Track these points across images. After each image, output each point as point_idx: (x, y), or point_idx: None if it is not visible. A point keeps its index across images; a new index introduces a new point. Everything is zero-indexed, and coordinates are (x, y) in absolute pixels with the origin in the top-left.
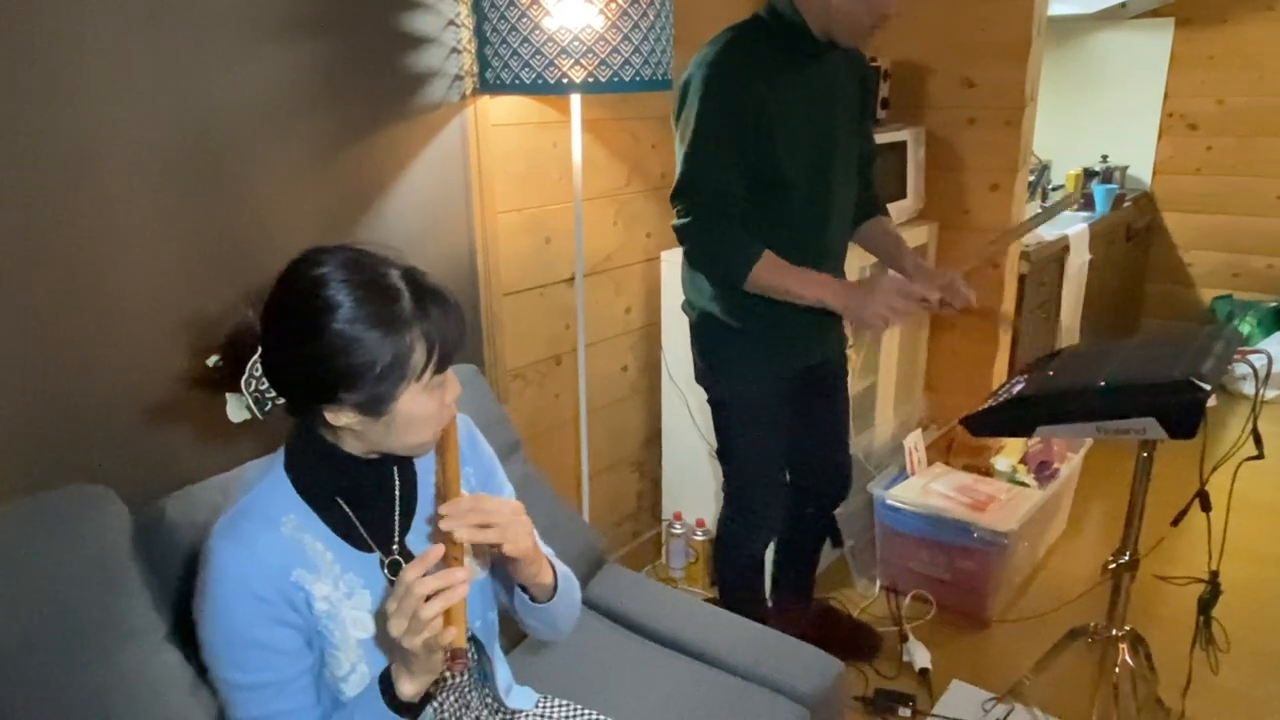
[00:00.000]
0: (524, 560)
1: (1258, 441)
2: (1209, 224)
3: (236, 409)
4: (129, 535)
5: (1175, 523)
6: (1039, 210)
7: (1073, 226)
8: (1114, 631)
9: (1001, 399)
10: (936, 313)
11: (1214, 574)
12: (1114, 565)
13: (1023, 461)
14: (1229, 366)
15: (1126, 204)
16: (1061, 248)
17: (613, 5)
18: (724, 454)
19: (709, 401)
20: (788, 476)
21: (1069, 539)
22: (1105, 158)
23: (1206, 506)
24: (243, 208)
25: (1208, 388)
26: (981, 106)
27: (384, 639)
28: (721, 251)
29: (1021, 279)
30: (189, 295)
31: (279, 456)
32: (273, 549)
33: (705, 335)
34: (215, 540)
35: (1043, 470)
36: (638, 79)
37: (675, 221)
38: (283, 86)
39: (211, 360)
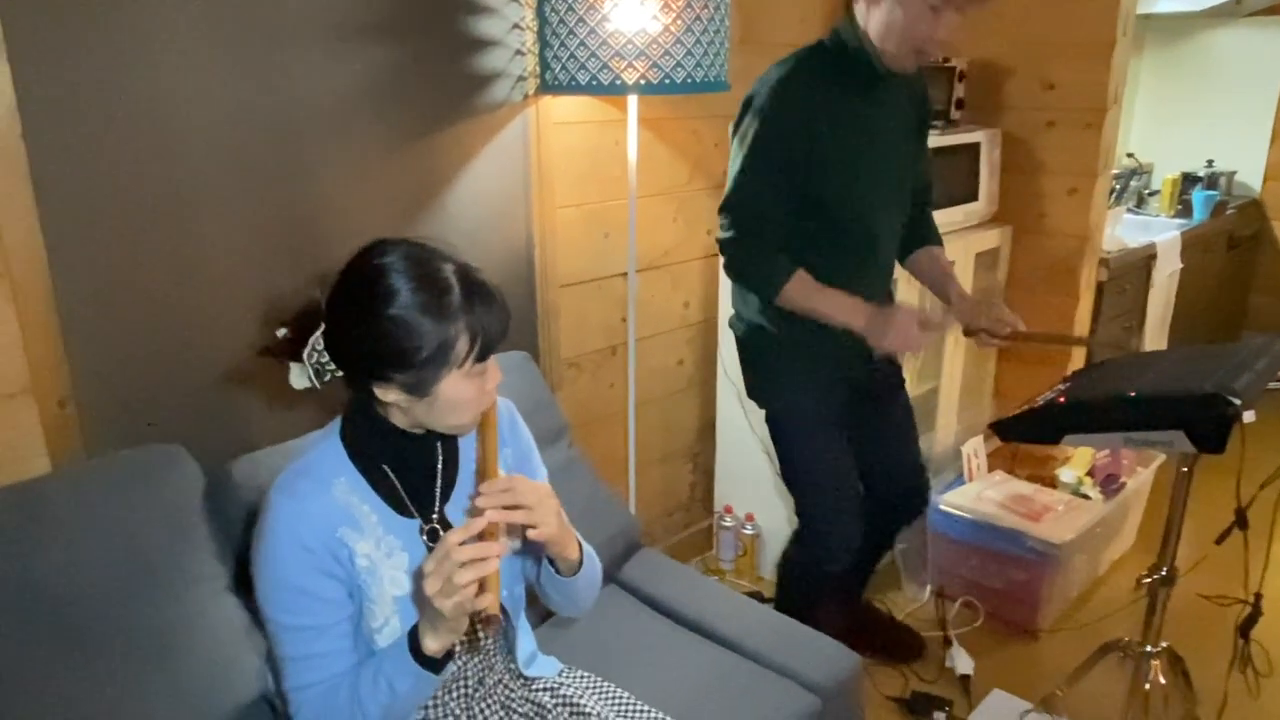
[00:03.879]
0: (550, 540)
1: None
2: None
3: (299, 377)
4: (200, 492)
5: (1219, 541)
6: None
7: (1163, 234)
8: (1148, 647)
9: (1035, 405)
10: (1007, 343)
11: (1257, 595)
12: (1150, 580)
13: (1089, 474)
14: (1274, 382)
15: (1230, 211)
16: (1148, 255)
17: (668, 10)
18: (789, 476)
19: (766, 420)
20: (862, 491)
21: (1135, 555)
22: (1210, 162)
23: (1243, 525)
24: (317, 197)
25: (1237, 402)
26: (1061, 108)
27: (418, 596)
28: (756, 268)
29: (1100, 287)
30: (264, 275)
31: (336, 424)
32: (323, 507)
33: (753, 348)
34: (273, 494)
35: (1110, 484)
36: (690, 81)
37: (719, 235)
38: (357, 86)
39: (280, 332)
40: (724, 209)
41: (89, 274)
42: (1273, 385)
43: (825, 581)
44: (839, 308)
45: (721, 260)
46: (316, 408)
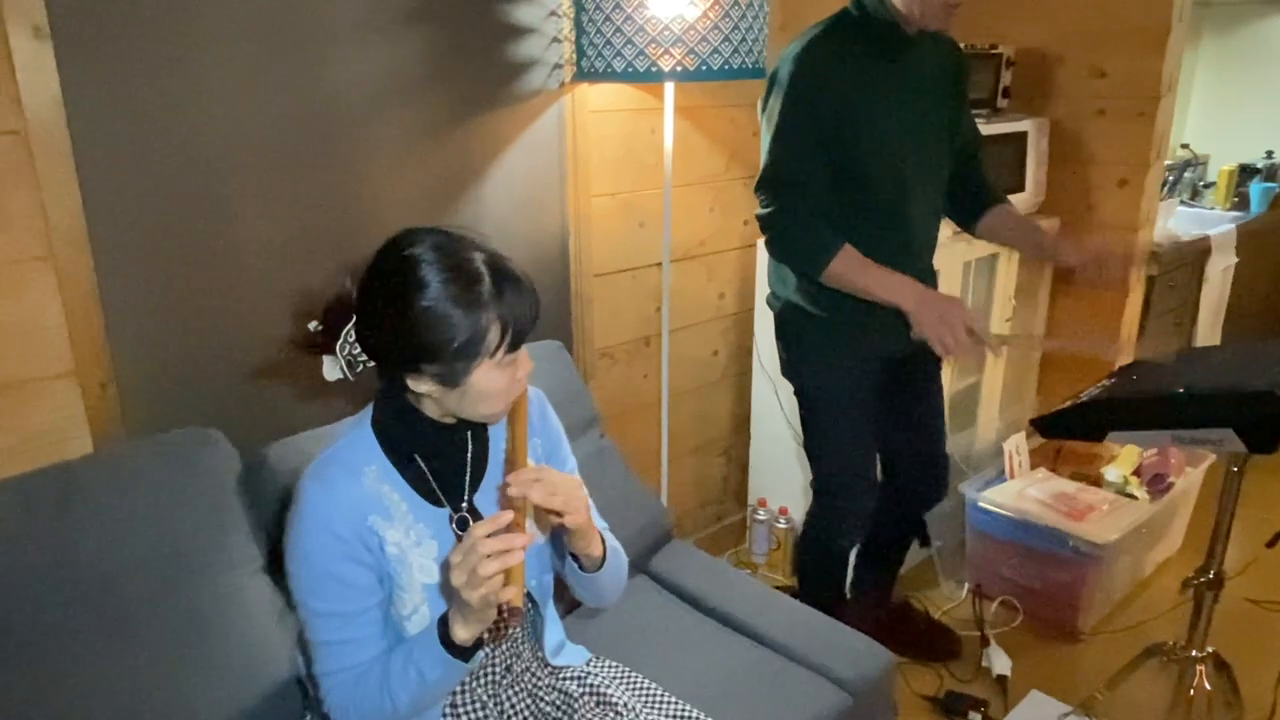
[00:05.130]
0: (578, 532)
1: None
2: None
3: (331, 369)
4: (236, 476)
5: (1271, 544)
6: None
7: (1217, 227)
8: (1193, 652)
9: (1078, 401)
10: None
11: None
12: (1196, 582)
13: (1135, 473)
14: None
15: None
16: (1201, 250)
17: None
18: (811, 448)
19: (795, 394)
20: (880, 474)
21: (1182, 557)
22: (1270, 154)
23: None
24: (354, 185)
25: None
26: (1113, 97)
27: (446, 586)
28: (801, 242)
29: (1150, 281)
30: (301, 263)
31: (368, 412)
32: (353, 495)
33: (789, 325)
34: (305, 481)
35: (1157, 483)
36: (726, 67)
37: (758, 211)
38: (393, 76)
39: (313, 325)
40: (760, 185)
41: (131, 261)
42: None
43: (841, 557)
44: (888, 285)
45: (764, 239)
46: (352, 393)
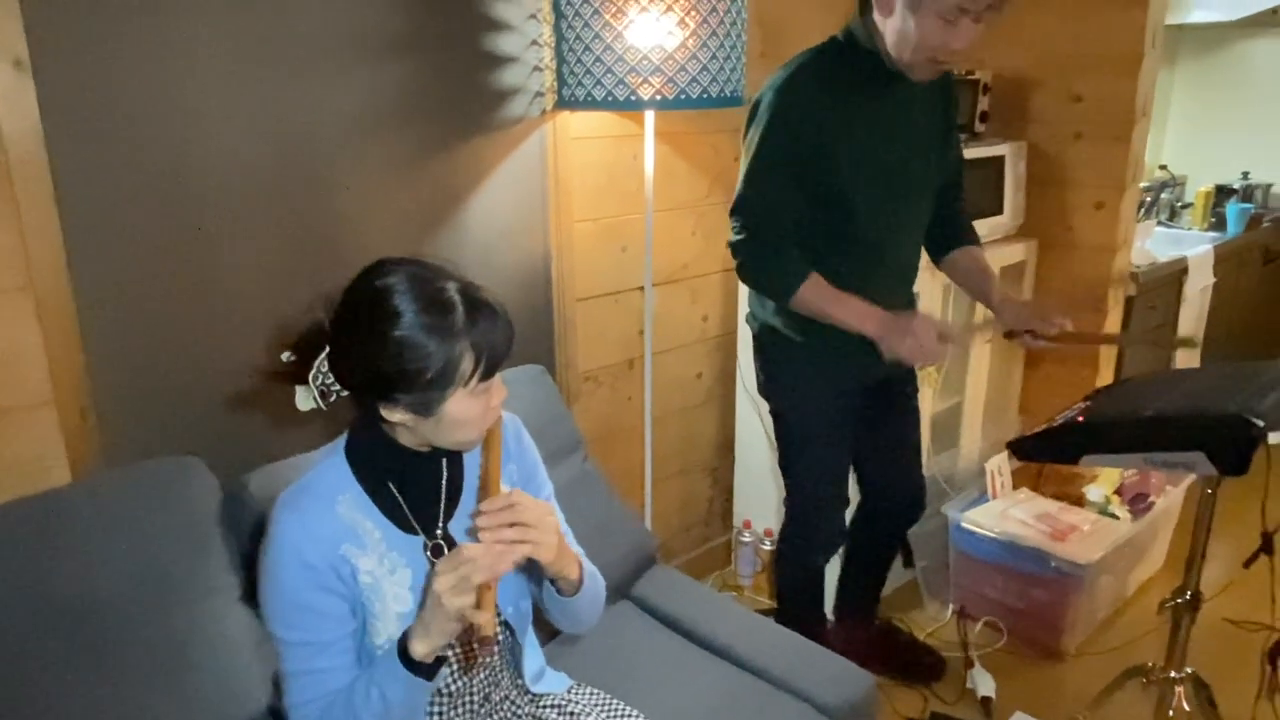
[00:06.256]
0: (552, 558)
1: None
2: None
3: (304, 399)
4: (216, 504)
5: (1247, 565)
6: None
7: (1195, 248)
8: (1172, 673)
9: (1053, 425)
10: (1052, 345)
11: None
12: (1173, 604)
13: (1117, 492)
14: None
15: (1265, 225)
16: (1179, 270)
17: (684, 26)
18: (785, 467)
19: (770, 413)
20: (858, 494)
21: (1165, 576)
22: (1246, 174)
23: (1269, 549)
24: (335, 214)
25: (1261, 424)
26: (1089, 121)
27: (424, 592)
28: (770, 269)
29: (1129, 302)
30: (282, 291)
31: (341, 441)
32: (326, 524)
33: (767, 348)
34: (277, 511)
35: (1139, 503)
36: (705, 96)
37: (730, 237)
38: (376, 104)
39: (285, 355)
40: (734, 211)
41: (110, 289)
42: None
43: (817, 574)
44: (852, 313)
45: (735, 264)
46: (334, 421)
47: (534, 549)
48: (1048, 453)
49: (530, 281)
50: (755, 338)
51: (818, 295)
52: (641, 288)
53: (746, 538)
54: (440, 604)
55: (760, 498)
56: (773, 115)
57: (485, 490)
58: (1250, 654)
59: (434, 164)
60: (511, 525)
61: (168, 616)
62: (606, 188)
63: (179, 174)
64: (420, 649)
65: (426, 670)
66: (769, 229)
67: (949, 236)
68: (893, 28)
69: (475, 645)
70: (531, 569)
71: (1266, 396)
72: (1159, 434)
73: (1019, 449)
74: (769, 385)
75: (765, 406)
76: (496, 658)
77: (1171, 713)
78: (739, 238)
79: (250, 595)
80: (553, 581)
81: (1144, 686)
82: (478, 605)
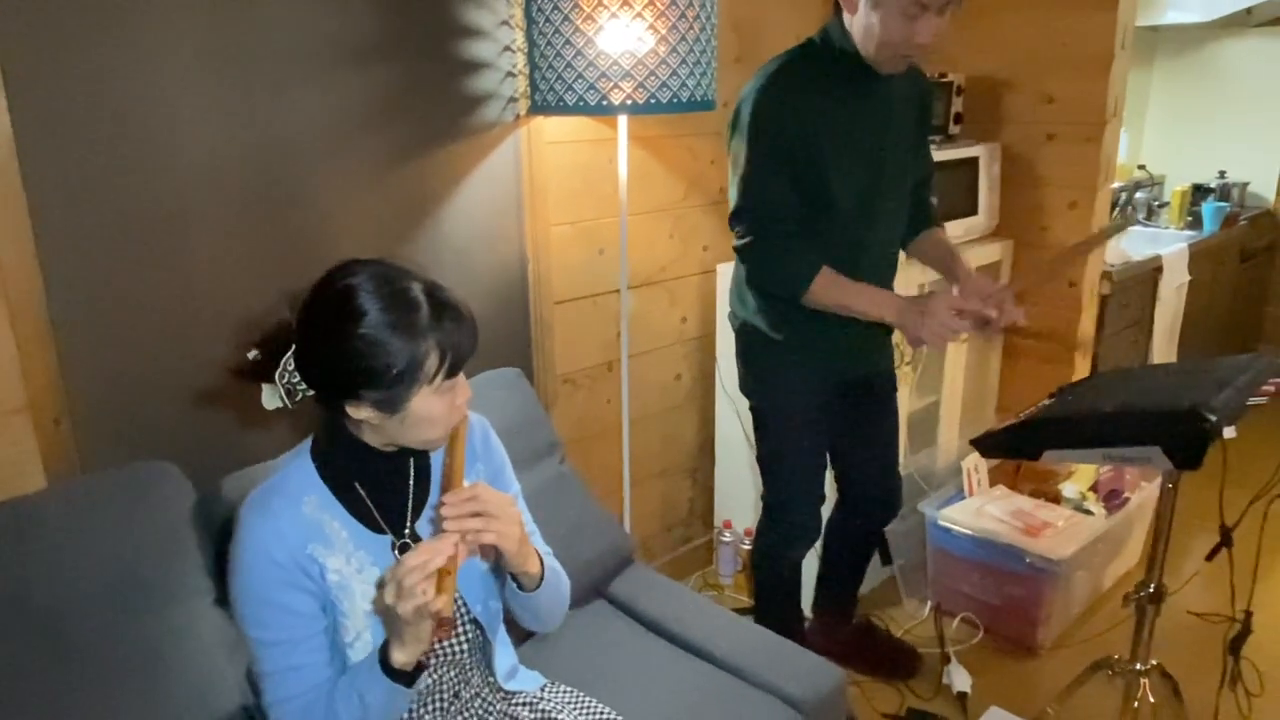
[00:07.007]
0: (512, 550)
1: None
2: None
3: (270, 398)
4: (191, 508)
5: (1209, 558)
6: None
7: (1170, 246)
8: (1138, 665)
9: (1016, 421)
10: (995, 333)
11: (1247, 613)
12: (1136, 597)
13: (1093, 489)
14: (1254, 398)
15: (1241, 223)
16: (1153, 269)
17: (654, 32)
18: (762, 463)
19: (750, 409)
20: (835, 491)
21: (1140, 571)
22: (1223, 173)
23: (1227, 543)
24: (310, 219)
25: (1213, 418)
26: (1061, 122)
27: (380, 609)
28: (782, 267)
29: (1104, 300)
30: (256, 296)
31: (307, 442)
32: (293, 524)
33: (747, 345)
34: (244, 512)
35: (1113, 499)
36: (675, 100)
37: (735, 242)
38: (350, 109)
39: (252, 354)
40: (735, 217)
41: (83, 295)
42: (1257, 400)
43: (794, 570)
44: (869, 301)
45: (744, 271)
46: (307, 423)
47: (497, 538)
48: (1011, 449)
49: (507, 285)
50: (736, 335)
51: (832, 287)
52: (618, 290)
53: (727, 537)
54: (395, 615)
55: (740, 498)
56: (752, 126)
57: (447, 485)
58: (1213, 645)
59: (409, 169)
60: (475, 515)
61: (141, 621)
62: (582, 191)
63: (152, 181)
64: (400, 657)
65: (407, 678)
66: (774, 230)
67: (914, 223)
68: (858, 25)
69: (435, 631)
70: (498, 568)
71: (1220, 392)
72: (1116, 429)
73: (983, 445)
74: (749, 382)
75: (745, 405)
76: (465, 655)
77: (1137, 704)
78: (744, 242)
79: (224, 599)
80: (514, 578)
81: (1110, 679)
82: (438, 590)
